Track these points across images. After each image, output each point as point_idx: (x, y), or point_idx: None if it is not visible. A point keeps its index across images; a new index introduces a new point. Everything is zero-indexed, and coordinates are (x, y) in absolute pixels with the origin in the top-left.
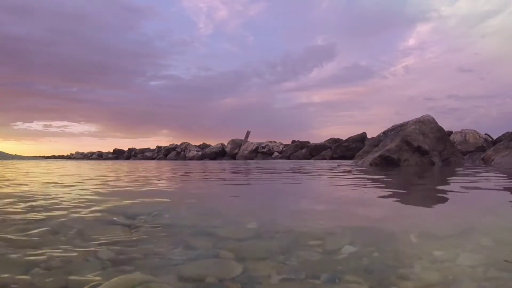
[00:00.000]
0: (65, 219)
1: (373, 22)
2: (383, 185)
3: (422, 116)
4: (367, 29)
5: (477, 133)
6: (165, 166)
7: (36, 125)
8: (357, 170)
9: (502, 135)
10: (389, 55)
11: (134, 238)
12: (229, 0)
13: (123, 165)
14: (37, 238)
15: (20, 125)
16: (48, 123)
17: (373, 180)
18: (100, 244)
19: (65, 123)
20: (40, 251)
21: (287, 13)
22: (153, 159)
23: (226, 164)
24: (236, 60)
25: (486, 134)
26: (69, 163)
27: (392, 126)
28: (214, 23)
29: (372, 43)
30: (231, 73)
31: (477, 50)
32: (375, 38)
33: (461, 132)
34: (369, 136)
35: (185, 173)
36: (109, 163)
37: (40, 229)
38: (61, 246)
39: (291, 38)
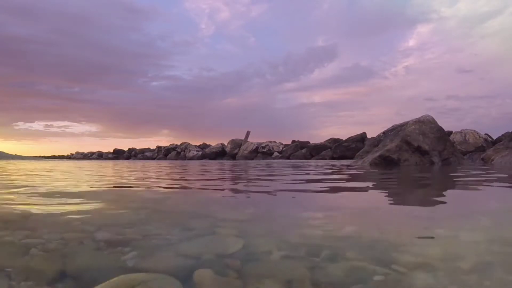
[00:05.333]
0: None
1: (374, 23)
2: (382, 183)
3: (422, 116)
4: (368, 30)
5: (477, 133)
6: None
7: (37, 125)
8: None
9: (502, 135)
10: (390, 55)
11: None
12: (231, 1)
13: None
14: None
15: (21, 125)
16: (49, 123)
17: (373, 178)
18: None
19: (66, 123)
20: None
21: (289, 14)
22: (153, 159)
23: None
24: (238, 61)
25: (486, 134)
26: (85, 163)
27: (392, 126)
28: (216, 24)
29: (373, 43)
30: (232, 74)
31: (477, 51)
32: (376, 39)
33: (461, 132)
34: (369, 136)
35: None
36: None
37: None
38: None
39: (293, 39)
